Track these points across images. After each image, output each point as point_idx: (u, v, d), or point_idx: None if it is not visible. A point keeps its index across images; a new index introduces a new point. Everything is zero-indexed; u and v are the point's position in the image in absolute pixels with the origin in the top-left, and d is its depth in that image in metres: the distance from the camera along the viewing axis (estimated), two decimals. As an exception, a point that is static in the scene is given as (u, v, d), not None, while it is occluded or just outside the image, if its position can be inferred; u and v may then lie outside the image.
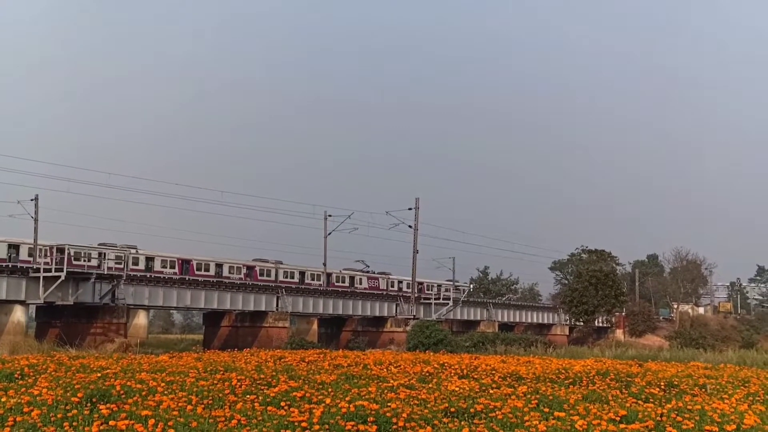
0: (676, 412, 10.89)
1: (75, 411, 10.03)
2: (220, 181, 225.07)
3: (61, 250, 52.55)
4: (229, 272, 67.65)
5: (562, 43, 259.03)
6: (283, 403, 11.18)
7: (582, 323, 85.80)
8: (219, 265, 67.16)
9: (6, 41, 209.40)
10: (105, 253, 56.19)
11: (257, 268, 70.52)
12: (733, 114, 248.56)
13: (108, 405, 10.45)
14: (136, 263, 60.39)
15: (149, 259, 63.00)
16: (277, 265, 72.24)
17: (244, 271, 69.12)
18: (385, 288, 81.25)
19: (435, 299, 78.65)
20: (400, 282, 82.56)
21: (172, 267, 64.92)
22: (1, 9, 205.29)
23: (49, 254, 52.57)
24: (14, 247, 54.18)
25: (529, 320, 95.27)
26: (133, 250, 60.61)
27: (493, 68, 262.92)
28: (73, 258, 53.30)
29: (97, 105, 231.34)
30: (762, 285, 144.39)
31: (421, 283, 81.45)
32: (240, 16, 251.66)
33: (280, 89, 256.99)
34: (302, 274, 74.14)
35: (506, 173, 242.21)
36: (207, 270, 65.67)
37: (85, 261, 54.22)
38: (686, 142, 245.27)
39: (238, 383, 13.66)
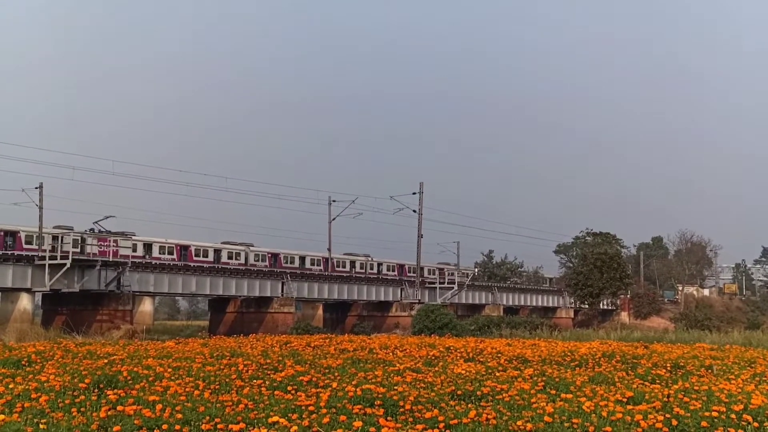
0: (683, 393, 10.87)
1: (83, 397, 10.06)
2: (224, 168, 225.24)
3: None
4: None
5: (564, 34, 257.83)
6: (289, 388, 11.19)
7: (587, 306, 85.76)
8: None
9: (6, 36, 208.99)
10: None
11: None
12: (738, 97, 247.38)
13: (115, 391, 10.49)
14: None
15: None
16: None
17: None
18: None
19: (440, 283, 78.70)
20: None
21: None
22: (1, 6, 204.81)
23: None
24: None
25: (534, 303, 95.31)
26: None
27: (496, 57, 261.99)
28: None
29: (97, 97, 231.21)
30: (767, 266, 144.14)
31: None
32: (242, 9, 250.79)
33: (283, 78, 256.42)
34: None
35: (510, 158, 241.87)
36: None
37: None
38: (690, 126, 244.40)
39: (245, 368, 13.68)
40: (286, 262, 72.76)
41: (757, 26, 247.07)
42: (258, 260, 70.79)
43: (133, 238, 61.22)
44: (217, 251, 67.94)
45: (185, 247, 65.37)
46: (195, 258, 64.96)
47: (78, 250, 53.00)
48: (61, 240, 53.28)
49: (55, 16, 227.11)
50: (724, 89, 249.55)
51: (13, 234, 54.99)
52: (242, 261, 69.24)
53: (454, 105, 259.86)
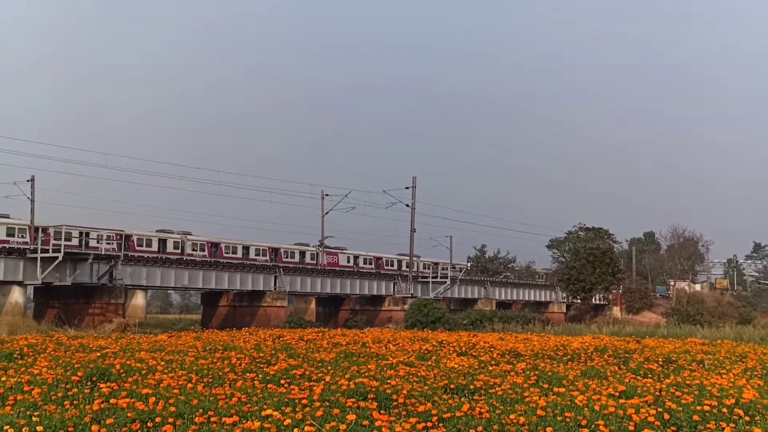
0: (674, 387, 10.92)
1: (75, 390, 10.03)
2: (218, 164, 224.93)
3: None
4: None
5: (560, 28, 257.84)
6: (283, 381, 11.19)
7: (579, 301, 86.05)
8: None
9: (6, 34, 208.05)
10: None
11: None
12: (731, 93, 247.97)
13: (108, 384, 10.45)
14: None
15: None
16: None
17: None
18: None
19: (432, 278, 78.79)
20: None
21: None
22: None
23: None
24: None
25: (527, 298, 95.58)
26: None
27: (492, 53, 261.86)
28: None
29: (95, 94, 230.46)
30: (758, 262, 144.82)
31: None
32: (242, 7, 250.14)
33: (278, 74, 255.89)
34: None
35: (503, 153, 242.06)
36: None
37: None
38: (682, 122, 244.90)
39: (238, 362, 13.66)
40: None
41: (746, 20, 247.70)
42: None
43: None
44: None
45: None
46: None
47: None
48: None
49: (54, 13, 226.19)
50: (718, 86, 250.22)
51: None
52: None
53: (447, 101, 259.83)
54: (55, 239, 51.48)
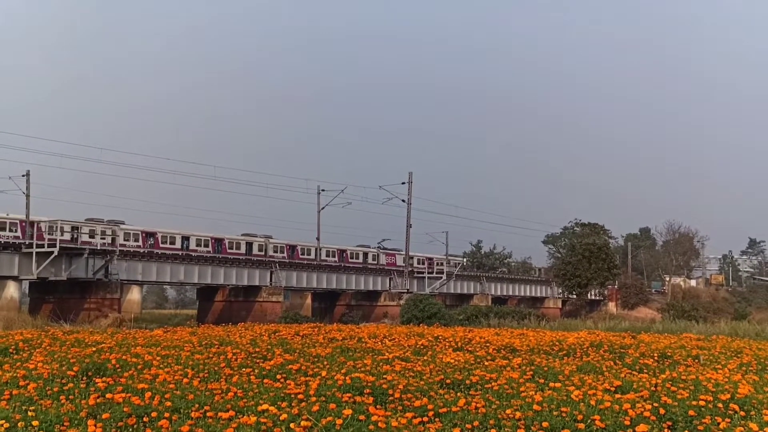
0: (670, 382, 10.93)
1: (71, 384, 10.01)
2: (216, 159, 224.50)
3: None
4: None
5: (558, 22, 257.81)
6: (278, 376, 11.18)
7: (575, 296, 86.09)
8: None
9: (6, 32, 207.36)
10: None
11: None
12: (728, 89, 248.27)
13: (104, 378, 10.43)
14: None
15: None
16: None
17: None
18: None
19: (428, 273, 78.83)
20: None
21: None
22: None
23: None
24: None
25: (522, 293, 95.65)
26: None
27: (490, 48, 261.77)
28: None
29: (95, 91, 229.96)
30: (754, 257, 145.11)
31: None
32: (241, 3, 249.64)
33: (276, 69, 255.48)
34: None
35: (499, 149, 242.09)
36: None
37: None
38: (678, 118, 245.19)
39: (234, 357, 13.65)
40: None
41: (744, 18, 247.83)
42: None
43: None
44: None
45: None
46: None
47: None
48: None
49: (55, 10, 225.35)
50: (713, 83, 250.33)
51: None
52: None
53: (445, 95, 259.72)
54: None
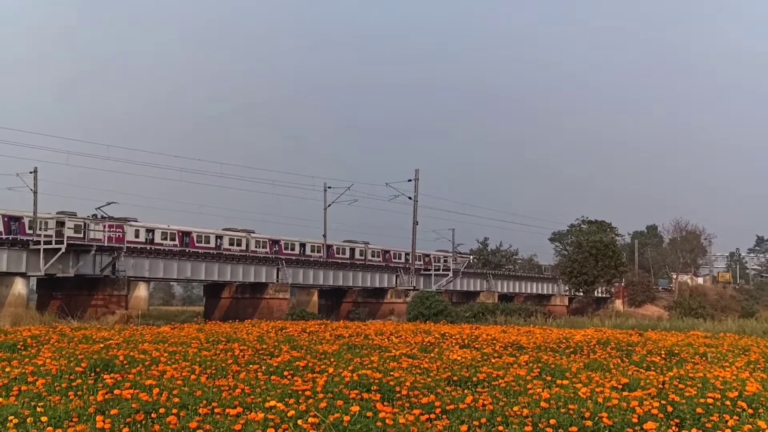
0: (678, 380, 10.91)
1: (79, 380, 10.06)
2: (221, 155, 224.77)
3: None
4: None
5: (564, 21, 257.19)
6: (286, 373, 11.20)
7: (582, 294, 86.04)
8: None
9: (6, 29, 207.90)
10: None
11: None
12: (736, 87, 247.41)
13: (112, 375, 10.47)
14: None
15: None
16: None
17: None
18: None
19: (435, 270, 78.82)
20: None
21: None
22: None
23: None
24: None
25: (529, 291, 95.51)
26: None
27: (493, 49, 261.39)
28: None
29: (98, 87, 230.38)
30: (761, 255, 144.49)
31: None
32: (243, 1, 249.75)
33: (282, 67, 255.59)
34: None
35: (506, 146, 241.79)
36: None
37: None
38: (685, 117, 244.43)
39: (241, 353, 13.67)
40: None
41: (745, 16, 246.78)
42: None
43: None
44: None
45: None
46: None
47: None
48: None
49: (56, 8, 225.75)
50: (721, 83, 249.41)
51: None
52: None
53: (451, 95, 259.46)
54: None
